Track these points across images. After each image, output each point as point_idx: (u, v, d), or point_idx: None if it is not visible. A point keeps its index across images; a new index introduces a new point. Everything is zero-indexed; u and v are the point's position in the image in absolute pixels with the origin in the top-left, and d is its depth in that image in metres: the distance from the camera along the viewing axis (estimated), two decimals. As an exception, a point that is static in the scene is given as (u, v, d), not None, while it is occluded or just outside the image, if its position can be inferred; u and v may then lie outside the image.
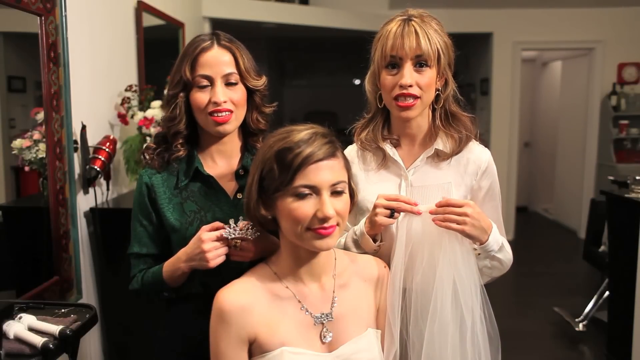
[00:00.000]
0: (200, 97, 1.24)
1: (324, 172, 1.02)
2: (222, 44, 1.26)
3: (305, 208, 1.01)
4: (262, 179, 1.06)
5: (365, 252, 1.27)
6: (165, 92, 2.68)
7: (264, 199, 1.07)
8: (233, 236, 1.15)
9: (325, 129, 1.08)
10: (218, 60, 1.25)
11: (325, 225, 1.02)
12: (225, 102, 1.23)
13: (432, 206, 1.18)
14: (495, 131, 5.82)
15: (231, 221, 1.19)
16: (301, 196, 1.02)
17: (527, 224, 6.67)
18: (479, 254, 1.23)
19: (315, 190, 1.02)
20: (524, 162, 7.22)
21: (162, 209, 1.28)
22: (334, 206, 1.02)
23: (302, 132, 1.04)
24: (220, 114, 1.24)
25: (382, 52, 1.27)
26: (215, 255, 1.15)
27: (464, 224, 1.15)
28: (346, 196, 1.07)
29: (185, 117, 1.28)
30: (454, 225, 1.15)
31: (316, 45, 7.41)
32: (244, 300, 1.06)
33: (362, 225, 1.26)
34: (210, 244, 1.14)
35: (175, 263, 1.22)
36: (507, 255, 1.28)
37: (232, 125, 1.27)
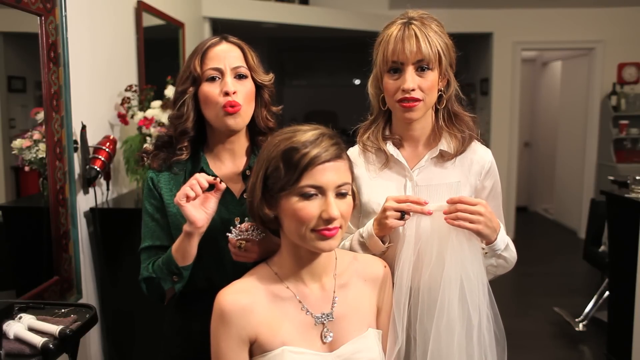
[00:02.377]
0: (210, 90, 1.24)
1: (330, 173, 1.02)
2: (230, 41, 1.29)
3: (310, 208, 1.01)
4: (267, 178, 1.06)
5: (372, 254, 1.27)
6: (166, 92, 2.69)
7: (268, 197, 1.07)
8: (239, 237, 1.15)
9: (331, 130, 1.08)
10: (227, 53, 1.26)
11: (330, 226, 1.02)
12: (235, 92, 1.23)
13: (442, 205, 1.18)
14: (495, 131, 5.82)
15: (236, 220, 1.19)
16: (307, 196, 1.02)
17: (527, 224, 6.67)
18: (486, 253, 1.23)
19: (321, 190, 1.02)
20: (524, 162, 7.22)
21: (168, 207, 1.28)
22: (338, 207, 1.02)
23: (309, 132, 1.04)
24: (231, 106, 1.23)
25: (384, 56, 1.28)
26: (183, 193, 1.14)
27: (478, 223, 1.15)
28: (350, 198, 1.07)
29: (193, 114, 1.28)
30: (468, 224, 1.15)
31: (316, 45, 7.41)
32: (245, 301, 1.06)
33: (369, 227, 1.26)
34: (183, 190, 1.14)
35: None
36: (512, 253, 1.28)
37: (242, 120, 1.27)
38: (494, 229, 1.19)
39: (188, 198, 1.14)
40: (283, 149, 1.03)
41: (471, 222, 1.15)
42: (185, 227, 1.17)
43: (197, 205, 1.15)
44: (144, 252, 1.31)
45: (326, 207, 1.01)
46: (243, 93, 1.25)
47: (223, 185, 1.17)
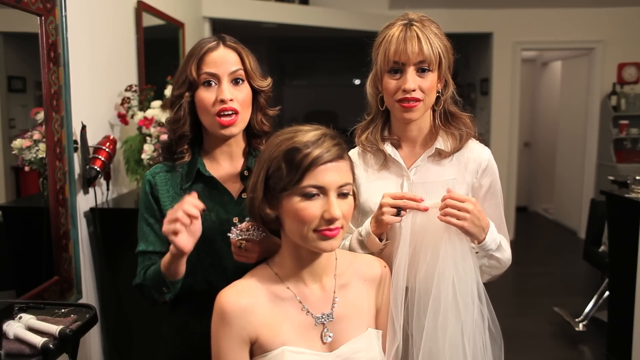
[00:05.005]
0: (206, 96, 1.24)
1: (332, 174, 1.02)
2: (227, 44, 1.27)
3: (313, 209, 1.01)
4: (268, 178, 1.06)
5: (371, 253, 1.27)
6: (166, 92, 2.69)
7: (269, 197, 1.07)
8: (240, 237, 1.15)
9: (332, 131, 1.08)
10: (224, 59, 1.25)
11: (331, 226, 1.02)
12: (231, 100, 1.23)
13: (437, 202, 1.18)
14: (495, 131, 5.82)
15: (235, 219, 1.19)
16: (309, 196, 1.02)
17: (527, 224, 6.67)
18: (477, 252, 1.24)
19: (323, 191, 1.02)
20: (524, 162, 7.22)
21: (165, 208, 1.28)
22: (339, 208, 1.02)
23: (310, 132, 1.04)
24: (226, 113, 1.23)
25: (385, 57, 1.28)
26: (168, 222, 1.08)
27: (464, 220, 1.15)
28: (351, 199, 1.07)
29: (190, 118, 1.28)
30: (454, 220, 1.16)
31: (316, 45, 7.41)
32: (245, 301, 1.06)
33: (367, 226, 1.26)
34: (169, 215, 1.09)
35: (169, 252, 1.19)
36: (505, 254, 1.28)
37: (238, 127, 1.26)
38: (481, 228, 1.19)
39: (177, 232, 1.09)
40: (285, 149, 1.03)
41: (458, 218, 1.15)
42: (172, 250, 1.14)
43: (184, 232, 1.10)
44: (139, 255, 1.32)
45: (328, 207, 1.01)
46: (240, 99, 1.24)
47: (201, 206, 1.11)
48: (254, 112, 1.31)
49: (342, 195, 1.04)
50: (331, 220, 1.01)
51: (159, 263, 1.24)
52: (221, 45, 1.27)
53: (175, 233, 1.08)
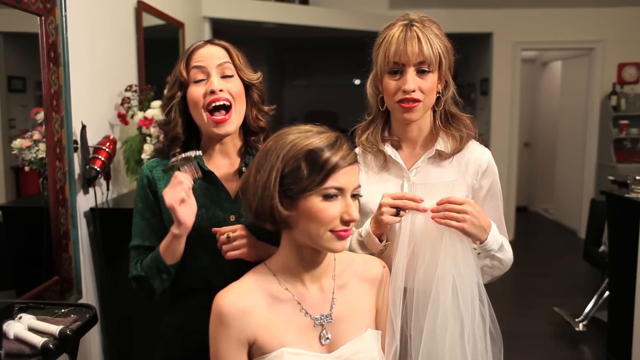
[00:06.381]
0: (196, 91, 1.24)
1: (350, 176, 1.04)
2: (214, 42, 1.29)
3: (333, 210, 1.03)
4: (283, 177, 1.05)
5: (371, 253, 1.27)
6: (166, 92, 2.68)
7: (281, 197, 1.06)
8: (175, 161, 1.19)
9: (342, 134, 1.09)
10: (212, 53, 1.26)
11: (347, 227, 1.04)
12: (222, 90, 1.23)
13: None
14: (495, 131, 5.82)
15: (232, 218, 1.19)
16: (330, 198, 1.03)
17: (527, 224, 6.67)
18: (479, 253, 1.24)
19: (342, 192, 1.04)
20: (524, 162, 7.22)
21: (162, 203, 1.27)
22: None
23: (324, 134, 1.05)
24: (218, 104, 1.22)
25: (385, 57, 1.28)
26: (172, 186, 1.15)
27: (464, 222, 1.16)
28: (358, 201, 1.09)
29: (182, 120, 1.28)
30: (454, 223, 1.16)
31: (316, 45, 7.41)
32: (243, 303, 1.06)
33: (367, 226, 1.27)
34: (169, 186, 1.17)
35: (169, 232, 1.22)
36: (507, 254, 1.28)
37: (234, 124, 1.26)
38: (482, 228, 1.19)
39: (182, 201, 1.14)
40: (304, 150, 1.03)
41: (457, 221, 1.16)
42: (174, 230, 1.17)
43: (184, 205, 1.16)
44: (133, 250, 1.32)
45: (347, 209, 1.04)
46: (232, 91, 1.25)
47: (199, 152, 1.20)
48: (249, 107, 1.31)
49: (354, 197, 1.06)
50: (349, 222, 1.04)
51: (156, 250, 1.24)
52: (208, 43, 1.29)
53: (183, 201, 1.14)
